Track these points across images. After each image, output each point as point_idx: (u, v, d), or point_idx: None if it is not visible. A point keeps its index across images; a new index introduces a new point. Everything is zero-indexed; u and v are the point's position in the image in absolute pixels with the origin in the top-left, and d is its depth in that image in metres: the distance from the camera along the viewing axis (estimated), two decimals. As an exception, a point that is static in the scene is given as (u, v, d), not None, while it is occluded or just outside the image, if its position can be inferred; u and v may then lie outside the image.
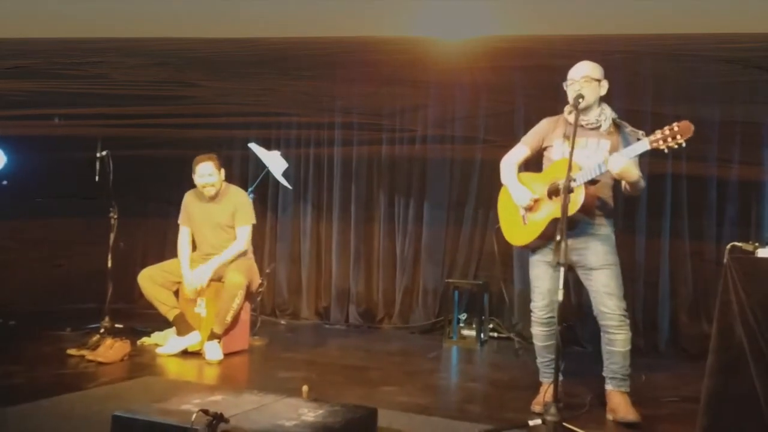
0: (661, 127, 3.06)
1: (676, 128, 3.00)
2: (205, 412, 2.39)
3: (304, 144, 6.26)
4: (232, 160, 6.27)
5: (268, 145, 5.61)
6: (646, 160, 4.92)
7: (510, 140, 3.94)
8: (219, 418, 2.38)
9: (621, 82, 3.54)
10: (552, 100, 3.80)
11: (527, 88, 5.45)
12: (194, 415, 2.38)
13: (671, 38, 4.96)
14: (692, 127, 2.98)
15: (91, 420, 3.11)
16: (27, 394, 3.46)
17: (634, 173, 3.29)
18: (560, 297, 3.06)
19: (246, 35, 5.36)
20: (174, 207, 5.06)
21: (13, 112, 5.75)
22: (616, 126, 3.45)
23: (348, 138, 6.14)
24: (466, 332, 5.37)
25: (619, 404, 3.41)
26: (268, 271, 5.81)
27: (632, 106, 4.79)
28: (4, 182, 5.64)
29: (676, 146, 3.00)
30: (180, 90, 5.88)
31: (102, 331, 4.71)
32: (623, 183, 3.38)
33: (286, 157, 5.45)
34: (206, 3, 5.16)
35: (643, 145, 3.11)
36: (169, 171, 6.17)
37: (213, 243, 4.80)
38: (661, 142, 3.04)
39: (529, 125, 3.76)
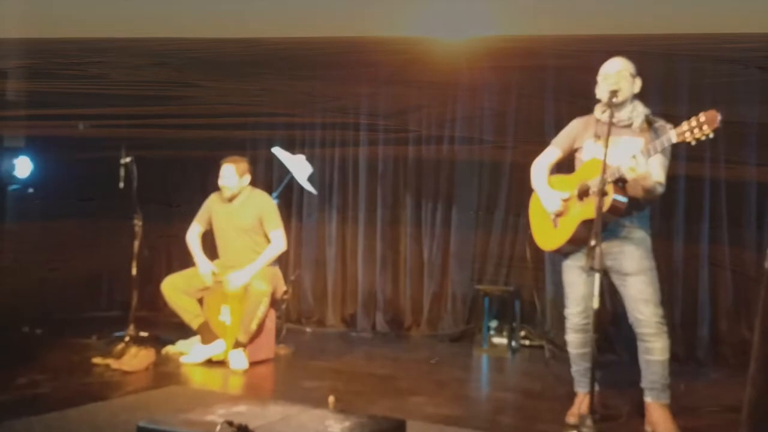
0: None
1: (702, 118, 2.87)
2: (230, 423, 2.38)
3: (328, 145, 6.17)
4: (256, 163, 6.22)
5: (290, 147, 5.55)
6: (684, 163, 4.84)
7: (539, 143, 3.86)
8: (244, 429, 2.37)
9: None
10: (585, 100, 3.71)
11: (556, 90, 5.35)
12: (219, 427, 2.37)
13: (674, 38, 4.87)
14: (719, 117, 2.85)
15: (117, 430, 3.10)
16: (53, 404, 3.45)
17: (649, 179, 3.13)
18: (596, 304, 2.97)
19: (246, 35, 5.38)
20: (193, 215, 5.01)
21: (15, 112, 5.79)
22: (648, 123, 3.34)
23: (373, 140, 6.05)
24: (496, 340, 5.25)
25: (659, 420, 3.28)
26: (293, 278, 5.75)
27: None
28: (30, 189, 5.68)
29: (703, 137, 2.88)
30: (180, 90, 5.89)
31: (127, 339, 4.71)
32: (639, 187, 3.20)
33: (309, 159, 5.39)
34: (206, 3, 5.19)
35: (669, 138, 3.00)
36: (189, 176, 6.16)
37: (237, 248, 4.74)
38: (687, 134, 2.92)
39: (559, 127, 3.68)
